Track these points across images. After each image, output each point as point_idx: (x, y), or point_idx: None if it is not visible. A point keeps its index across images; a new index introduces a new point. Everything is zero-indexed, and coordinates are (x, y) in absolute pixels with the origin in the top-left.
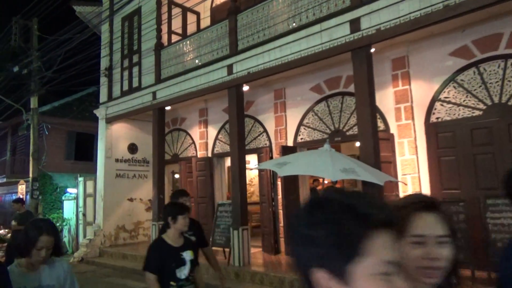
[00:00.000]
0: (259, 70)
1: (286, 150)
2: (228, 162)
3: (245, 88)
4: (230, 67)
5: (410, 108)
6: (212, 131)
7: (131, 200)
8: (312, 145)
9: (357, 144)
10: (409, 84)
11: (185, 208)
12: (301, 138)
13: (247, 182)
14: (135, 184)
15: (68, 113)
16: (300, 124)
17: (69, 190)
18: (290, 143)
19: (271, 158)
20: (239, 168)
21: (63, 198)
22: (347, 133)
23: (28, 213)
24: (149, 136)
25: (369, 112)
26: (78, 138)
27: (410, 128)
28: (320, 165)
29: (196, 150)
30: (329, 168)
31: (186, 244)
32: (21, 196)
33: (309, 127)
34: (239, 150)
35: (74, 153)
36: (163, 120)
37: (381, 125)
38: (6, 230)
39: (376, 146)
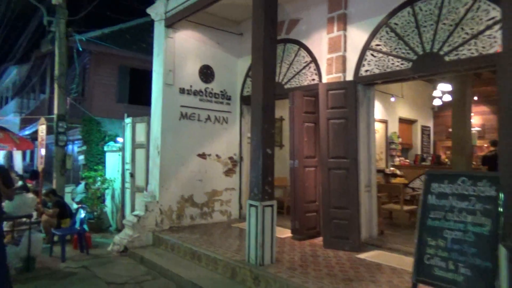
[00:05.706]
0: None
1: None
2: (381, 95)
3: None
4: None
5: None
6: (358, 36)
7: (203, 156)
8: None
9: None
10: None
11: None
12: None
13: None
14: (210, 131)
15: (121, 43)
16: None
17: (119, 139)
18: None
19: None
20: None
21: (105, 148)
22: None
23: None
24: (232, 56)
25: None
26: (132, 76)
27: None
28: None
29: (319, 74)
30: None
31: None
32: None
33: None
34: None
35: (128, 95)
36: (275, 3)
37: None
38: None
39: None
